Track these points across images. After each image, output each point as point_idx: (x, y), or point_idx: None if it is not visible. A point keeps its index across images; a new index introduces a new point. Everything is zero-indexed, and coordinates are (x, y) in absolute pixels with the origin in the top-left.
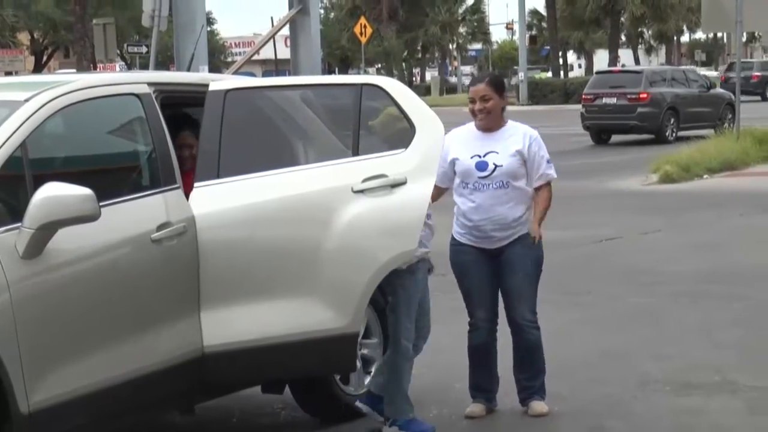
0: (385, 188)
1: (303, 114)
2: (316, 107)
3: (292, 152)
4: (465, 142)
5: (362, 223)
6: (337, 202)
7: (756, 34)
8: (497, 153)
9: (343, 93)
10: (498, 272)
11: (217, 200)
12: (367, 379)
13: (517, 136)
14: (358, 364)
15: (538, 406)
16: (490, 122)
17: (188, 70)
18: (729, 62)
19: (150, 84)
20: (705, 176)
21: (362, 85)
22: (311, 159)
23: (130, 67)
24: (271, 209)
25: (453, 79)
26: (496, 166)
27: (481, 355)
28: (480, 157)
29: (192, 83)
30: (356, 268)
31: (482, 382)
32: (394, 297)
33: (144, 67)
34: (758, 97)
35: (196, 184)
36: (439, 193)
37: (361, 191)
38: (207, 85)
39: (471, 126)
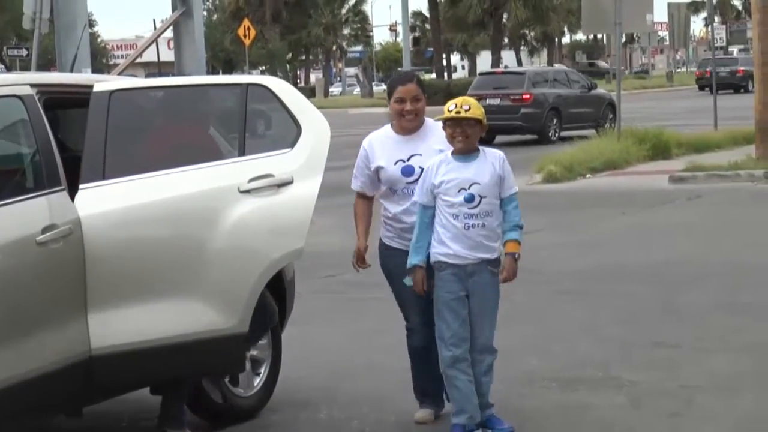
0: (271, 188)
1: (189, 114)
2: (202, 107)
3: (178, 153)
4: (388, 148)
5: (249, 223)
6: (224, 202)
7: (635, 36)
8: (421, 155)
9: (228, 93)
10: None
11: (102, 201)
12: (257, 380)
13: (437, 135)
14: (247, 365)
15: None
16: (418, 124)
17: (71, 72)
18: (701, 60)
19: (33, 85)
20: (588, 175)
21: (248, 84)
22: (197, 159)
23: (9, 70)
24: (157, 210)
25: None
26: (422, 169)
27: (422, 358)
28: (404, 161)
29: (76, 84)
30: (243, 269)
31: (427, 386)
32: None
33: (24, 70)
34: (731, 90)
35: (81, 186)
36: (367, 202)
37: (248, 191)
38: (91, 86)
39: (388, 129)
